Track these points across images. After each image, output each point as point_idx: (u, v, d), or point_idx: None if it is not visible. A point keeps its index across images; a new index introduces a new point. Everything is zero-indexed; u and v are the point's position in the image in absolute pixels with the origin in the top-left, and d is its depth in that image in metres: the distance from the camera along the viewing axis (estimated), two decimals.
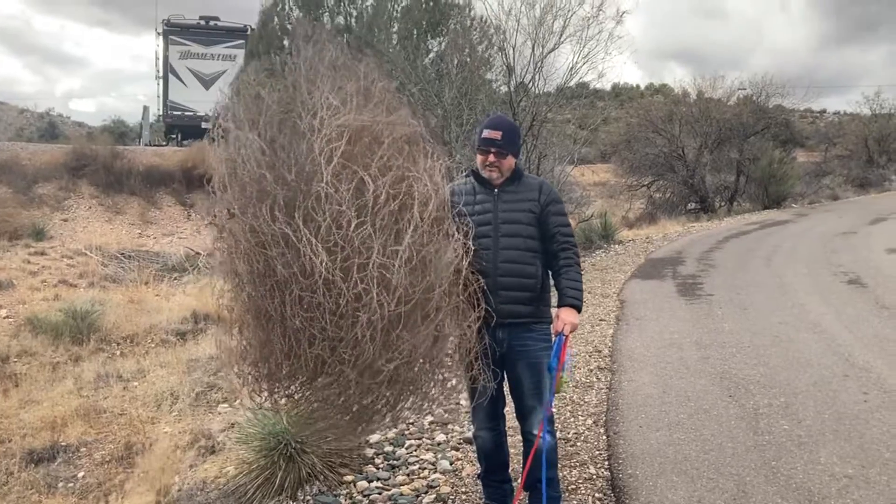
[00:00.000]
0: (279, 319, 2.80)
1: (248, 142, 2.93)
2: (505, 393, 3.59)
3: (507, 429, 3.73)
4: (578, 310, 3.39)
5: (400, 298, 2.72)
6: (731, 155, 25.20)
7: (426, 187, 2.92)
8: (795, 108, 31.28)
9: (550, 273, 3.50)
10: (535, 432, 3.36)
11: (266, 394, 3.15)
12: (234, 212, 2.89)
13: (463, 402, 3.71)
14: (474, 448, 3.88)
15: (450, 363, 3.17)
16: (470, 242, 3.09)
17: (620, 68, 39.36)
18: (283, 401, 3.23)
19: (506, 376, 3.50)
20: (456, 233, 3.04)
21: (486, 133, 3.47)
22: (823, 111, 60.78)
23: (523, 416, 3.49)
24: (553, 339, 3.42)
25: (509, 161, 3.49)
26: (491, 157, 3.44)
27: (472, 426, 3.93)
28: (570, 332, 3.35)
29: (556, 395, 3.51)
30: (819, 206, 24.07)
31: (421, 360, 3.00)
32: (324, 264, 2.62)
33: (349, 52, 3.23)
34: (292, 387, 3.12)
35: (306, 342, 2.78)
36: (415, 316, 2.82)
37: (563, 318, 3.33)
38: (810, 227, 17.73)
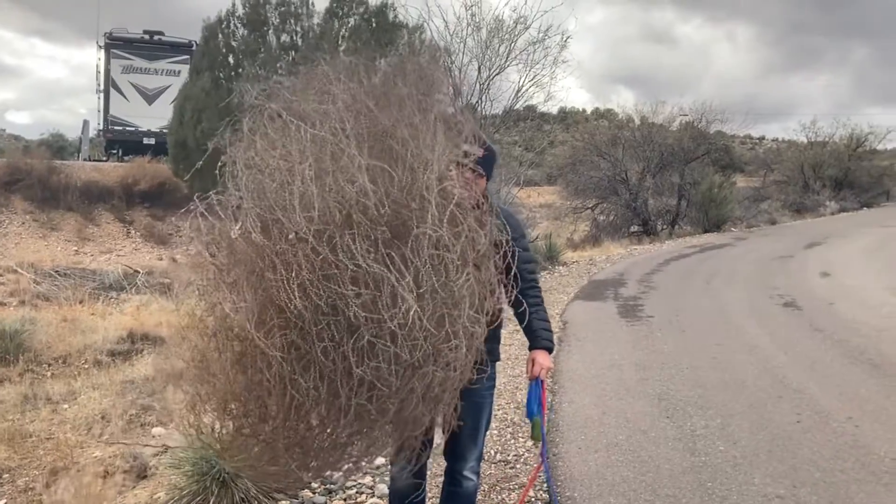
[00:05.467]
0: (321, 362, 2.34)
1: (348, 152, 2.41)
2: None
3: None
4: (550, 351, 3.29)
5: (476, 356, 2.52)
6: (672, 179, 25.65)
7: (501, 234, 2.76)
8: (735, 134, 32.22)
9: (512, 311, 3.31)
10: (465, 473, 3.21)
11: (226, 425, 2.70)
12: (306, 236, 2.31)
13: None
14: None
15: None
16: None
17: (567, 92, 39.92)
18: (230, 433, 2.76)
19: None
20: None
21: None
22: (763, 138, 62.80)
23: (456, 455, 3.24)
24: (529, 384, 3.30)
25: (480, 183, 3.19)
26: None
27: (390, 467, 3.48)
28: (546, 375, 3.27)
29: (534, 440, 3.40)
30: (757, 231, 24.67)
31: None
32: (414, 312, 2.26)
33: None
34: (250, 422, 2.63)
35: (348, 389, 2.36)
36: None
37: (540, 361, 3.21)
38: (748, 250, 18.15)
